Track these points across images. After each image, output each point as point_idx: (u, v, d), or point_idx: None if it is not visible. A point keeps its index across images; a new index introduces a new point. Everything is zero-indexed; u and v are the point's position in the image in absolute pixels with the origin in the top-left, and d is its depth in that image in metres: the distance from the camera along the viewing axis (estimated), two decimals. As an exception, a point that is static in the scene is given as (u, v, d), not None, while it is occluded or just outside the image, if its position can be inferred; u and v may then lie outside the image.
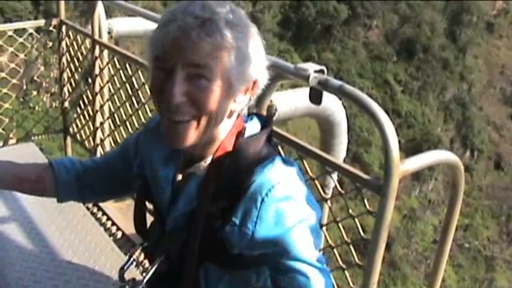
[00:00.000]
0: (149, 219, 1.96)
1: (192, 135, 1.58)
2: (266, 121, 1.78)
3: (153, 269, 1.75)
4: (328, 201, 2.47)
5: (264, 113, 2.44)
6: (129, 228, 3.78)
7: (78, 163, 2.14)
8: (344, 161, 3.34)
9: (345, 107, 2.88)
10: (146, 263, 2.39)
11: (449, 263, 39.73)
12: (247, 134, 1.70)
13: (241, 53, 1.55)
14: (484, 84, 51.31)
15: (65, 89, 4.82)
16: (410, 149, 41.11)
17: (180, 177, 1.75)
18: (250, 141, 1.67)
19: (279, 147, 2.38)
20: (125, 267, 1.87)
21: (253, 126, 1.73)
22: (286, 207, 1.58)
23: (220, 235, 1.62)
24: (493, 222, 45.64)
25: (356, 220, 2.34)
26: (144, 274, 1.79)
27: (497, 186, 47.46)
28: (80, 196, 2.17)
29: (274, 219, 1.57)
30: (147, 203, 1.95)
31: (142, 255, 1.92)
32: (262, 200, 1.56)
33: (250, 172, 1.60)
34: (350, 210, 2.32)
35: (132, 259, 1.89)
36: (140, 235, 1.97)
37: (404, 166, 1.94)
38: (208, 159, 1.68)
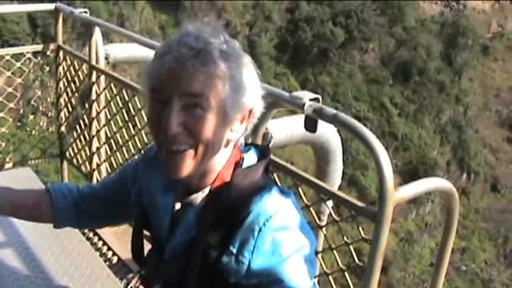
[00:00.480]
0: (146, 246, 1.96)
1: (189, 165, 1.59)
2: (263, 152, 1.79)
3: None
4: (323, 229, 2.48)
5: (260, 140, 2.45)
6: (125, 253, 3.77)
7: (75, 189, 2.15)
8: (340, 186, 3.35)
9: (340, 133, 2.90)
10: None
11: (447, 286, 39.54)
12: (245, 164, 1.71)
13: (236, 82, 1.57)
14: (480, 106, 51.44)
15: (62, 113, 4.84)
16: (406, 172, 41.11)
17: (178, 206, 1.76)
18: (248, 172, 1.69)
19: (275, 175, 2.40)
20: None
21: (251, 157, 1.74)
22: (283, 237, 1.59)
23: (218, 264, 1.63)
24: (490, 245, 45.51)
25: (351, 247, 2.35)
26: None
27: (494, 208, 47.38)
28: (77, 222, 2.17)
29: (271, 248, 1.59)
30: (144, 231, 1.96)
31: (139, 282, 1.93)
32: (260, 229, 1.58)
33: (247, 202, 1.61)
34: (345, 238, 2.33)
35: (129, 287, 1.90)
36: (137, 262, 1.97)
37: (398, 194, 1.95)
38: (206, 190, 1.69)
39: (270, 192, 1.64)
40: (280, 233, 1.59)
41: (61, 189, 2.13)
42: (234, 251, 1.61)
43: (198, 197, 1.70)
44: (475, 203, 47.01)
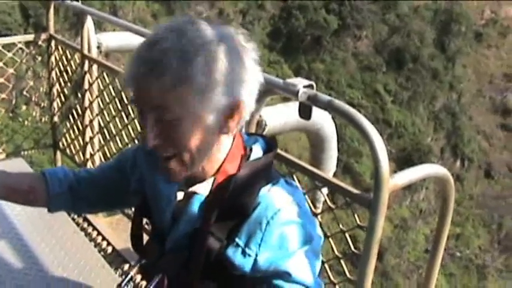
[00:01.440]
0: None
1: (180, 170, 1.60)
2: (270, 144, 1.78)
3: (151, 287, 1.75)
4: (319, 216, 2.47)
5: (254, 128, 2.44)
6: (120, 243, 3.76)
7: (71, 173, 2.13)
8: (335, 173, 3.35)
9: (334, 120, 2.88)
10: (139, 278, 2.38)
11: (441, 272, 39.74)
12: (252, 156, 1.70)
13: (200, 83, 1.51)
14: (474, 93, 51.51)
15: (55, 103, 4.82)
16: (401, 158, 41.19)
17: (181, 196, 1.75)
18: (255, 165, 1.67)
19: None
20: (123, 285, 1.86)
21: (258, 149, 1.73)
22: (290, 231, 1.59)
23: (223, 256, 1.62)
24: (484, 231, 45.70)
25: (347, 235, 2.35)
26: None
27: (488, 195, 47.55)
28: (72, 207, 2.17)
29: (278, 242, 1.59)
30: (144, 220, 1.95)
31: (139, 272, 1.91)
32: (268, 223, 1.58)
33: (254, 195, 1.61)
34: (340, 226, 2.32)
35: (129, 276, 1.88)
36: (137, 252, 1.96)
37: (393, 181, 1.94)
38: (210, 180, 1.67)
39: (277, 185, 1.64)
40: (288, 227, 1.59)
41: (56, 173, 2.11)
42: (241, 243, 1.60)
43: (202, 187, 1.68)
44: (469, 190, 47.17)
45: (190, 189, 1.71)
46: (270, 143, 1.78)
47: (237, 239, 1.61)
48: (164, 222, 1.78)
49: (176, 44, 1.50)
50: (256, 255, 1.59)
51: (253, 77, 1.61)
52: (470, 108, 50.67)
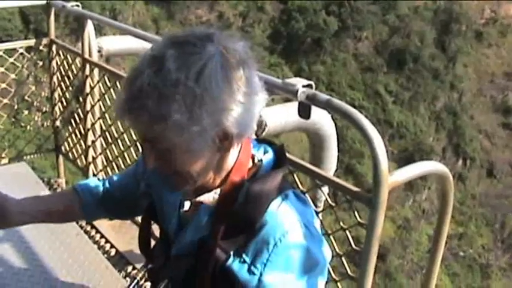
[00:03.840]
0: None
1: (183, 185, 1.63)
2: (279, 154, 1.75)
3: None
4: (320, 215, 2.49)
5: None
6: (123, 246, 3.78)
7: (99, 184, 2.19)
8: (335, 173, 3.36)
9: (334, 120, 2.90)
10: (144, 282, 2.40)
11: (445, 272, 39.70)
12: (263, 167, 1.69)
13: (176, 121, 1.48)
14: (474, 92, 51.50)
15: (56, 108, 4.84)
16: (402, 159, 41.13)
17: (187, 204, 1.76)
18: (267, 179, 1.65)
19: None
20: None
21: (268, 160, 1.72)
22: (297, 255, 1.58)
23: (227, 268, 1.62)
24: (487, 230, 45.66)
25: (347, 232, 2.36)
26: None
27: (490, 194, 47.51)
28: (107, 215, 2.26)
29: (284, 265, 1.57)
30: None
31: (146, 275, 1.92)
32: (275, 244, 1.56)
33: (263, 210, 1.59)
34: (341, 223, 2.34)
35: (136, 280, 1.89)
36: (144, 255, 1.98)
37: (393, 178, 1.96)
38: (218, 190, 1.67)
39: (287, 201, 1.63)
40: (295, 251, 1.57)
41: (87, 186, 2.17)
42: (247, 260, 1.60)
43: (209, 197, 1.68)
44: (471, 189, 47.14)
45: (197, 199, 1.70)
46: (279, 154, 1.76)
47: (243, 255, 1.60)
48: (170, 229, 1.80)
49: (153, 80, 1.47)
50: (261, 274, 1.58)
51: (244, 98, 1.54)
52: (472, 107, 50.66)
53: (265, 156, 1.72)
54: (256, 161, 1.70)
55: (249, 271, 1.59)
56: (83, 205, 2.12)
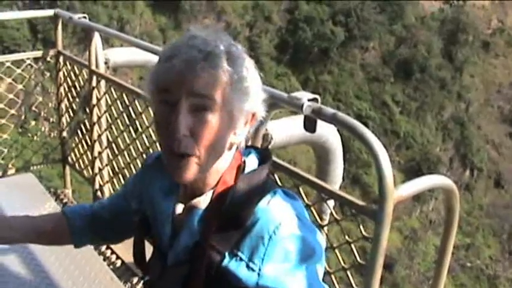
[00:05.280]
0: (149, 250, 1.96)
1: (194, 169, 1.58)
2: (264, 155, 1.78)
3: None
4: (325, 228, 2.49)
5: (260, 141, 2.46)
6: (128, 257, 3.78)
7: (89, 209, 2.18)
8: (343, 185, 3.36)
9: (340, 133, 2.90)
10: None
11: (452, 283, 39.54)
12: (247, 168, 1.70)
13: (242, 85, 1.57)
14: (482, 103, 51.45)
15: (64, 118, 4.86)
16: (409, 169, 41.13)
17: (180, 210, 1.75)
18: (251, 176, 1.67)
19: (276, 175, 2.41)
20: None
21: (252, 160, 1.73)
22: (293, 246, 1.58)
23: (224, 269, 1.62)
24: (495, 241, 45.51)
25: (353, 246, 2.36)
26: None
27: (498, 204, 47.37)
28: (93, 241, 2.26)
29: (282, 257, 1.57)
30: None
31: None
32: (270, 237, 1.57)
33: (253, 207, 1.60)
34: (347, 237, 2.34)
35: None
36: (140, 269, 1.98)
37: (398, 192, 1.96)
38: (210, 193, 1.68)
39: (276, 196, 1.64)
40: (290, 241, 1.58)
41: (75, 209, 2.18)
42: (244, 257, 1.59)
43: (202, 200, 1.68)
44: (478, 199, 47.03)
45: (190, 204, 1.71)
46: (264, 154, 1.79)
47: (239, 253, 1.60)
48: (164, 237, 1.79)
49: (225, 45, 1.58)
50: (260, 269, 1.58)
51: (263, 94, 1.68)
52: (479, 117, 50.60)
53: (249, 157, 1.74)
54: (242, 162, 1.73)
55: (248, 268, 1.59)
56: (71, 227, 2.13)
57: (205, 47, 1.55)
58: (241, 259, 1.60)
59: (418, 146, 46.67)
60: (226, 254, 1.61)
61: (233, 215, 1.61)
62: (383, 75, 47.81)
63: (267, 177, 1.71)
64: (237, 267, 1.60)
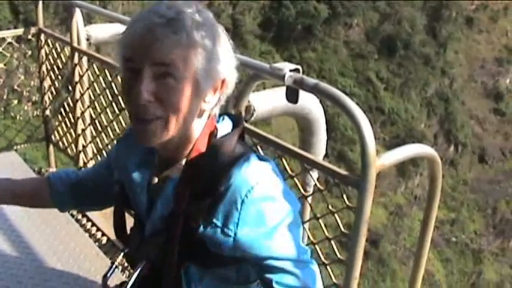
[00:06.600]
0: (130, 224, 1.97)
1: (160, 133, 1.58)
2: (237, 120, 1.78)
3: (136, 274, 1.77)
4: (309, 198, 2.50)
5: (243, 113, 2.46)
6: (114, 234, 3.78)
7: (73, 174, 2.20)
8: (327, 159, 3.37)
9: (323, 105, 2.91)
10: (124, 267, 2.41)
11: (437, 258, 39.88)
12: (219, 134, 1.70)
13: (208, 51, 1.56)
14: (465, 78, 51.57)
15: (46, 97, 4.83)
16: (394, 145, 40.94)
17: (155, 181, 1.76)
18: (224, 141, 1.68)
19: (258, 147, 2.42)
20: (108, 275, 1.89)
21: (225, 126, 1.74)
22: (267, 207, 1.59)
23: (200, 235, 1.63)
24: (479, 216, 45.85)
25: (336, 216, 2.37)
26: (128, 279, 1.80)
27: (482, 179, 47.68)
28: (76, 205, 2.30)
29: (256, 220, 1.58)
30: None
31: (125, 260, 1.93)
32: (242, 201, 1.57)
33: (226, 172, 1.60)
34: (330, 206, 2.35)
35: (114, 266, 1.91)
36: (121, 241, 1.98)
37: (380, 160, 1.98)
38: (183, 161, 1.68)
39: (248, 160, 1.64)
40: (263, 203, 1.59)
41: (59, 175, 2.18)
42: (219, 223, 1.60)
43: (175, 169, 1.69)
44: (463, 175, 47.31)
45: (164, 173, 1.72)
46: (236, 119, 1.80)
47: (214, 219, 1.60)
48: (141, 209, 1.80)
49: (190, 11, 1.56)
50: (235, 233, 1.59)
51: (234, 61, 1.67)
52: (463, 93, 50.75)
53: (223, 123, 1.75)
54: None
55: (223, 233, 1.60)
56: (52, 192, 2.14)
57: (168, 12, 1.54)
58: (216, 225, 1.61)
59: (402, 122, 46.79)
60: (201, 221, 1.61)
61: (206, 181, 1.61)
62: (367, 51, 47.76)
63: (240, 142, 1.72)
64: (212, 233, 1.61)
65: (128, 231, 1.95)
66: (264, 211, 1.59)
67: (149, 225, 1.77)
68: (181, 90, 1.54)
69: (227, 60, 1.63)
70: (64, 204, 2.22)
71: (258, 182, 1.59)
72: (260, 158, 1.69)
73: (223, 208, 1.60)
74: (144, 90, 1.52)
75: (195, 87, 1.57)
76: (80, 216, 3.94)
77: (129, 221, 1.96)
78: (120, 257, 1.90)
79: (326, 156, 3.30)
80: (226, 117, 1.78)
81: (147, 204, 1.78)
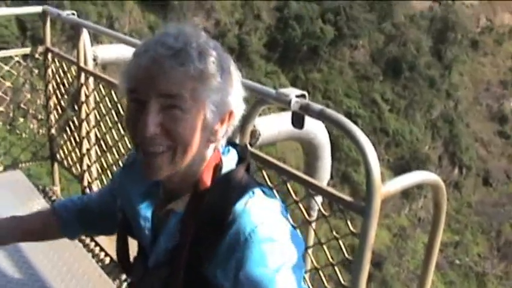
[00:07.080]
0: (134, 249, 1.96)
1: (167, 167, 1.55)
2: (242, 152, 1.75)
3: None
4: (313, 224, 2.49)
5: (248, 138, 2.46)
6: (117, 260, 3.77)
7: (78, 201, 2.19)
8: (331, 181, 3.37)
9: (329, 130, 2.91)
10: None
11: (441, 280, 39.70)
12: (224, 167, 1.67)
13: (215, 83, 1.54)
14: (470, 101, 51.64)
15: (52, 116, 4.84)
16: (398, 167, 41.17)
17: (160, 213, 1.73)
18: (230, 176, 1.65)
19: (263, 172, 2.41)
20: None
21: (230, 159, 1.71)
22: (269, 249, 1.53)
23: (203, 272, 1.60)
24: (483, 239, 45.70)
25: (340, 242, 2.36)
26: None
27: (486, 202, 47.58)
28: (83, 232, 2.30)
29: (258, 260, 1.52)
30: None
31: None
32: (246, 240, 1.53)
33: (231, 209, 1.57)
34: (335, 232, 2.34)
35: None
36: (124, 269, 1.97)
37: (385, 188, 1.97)
38: (187, 195, 1.65)
39: (253, 197, 1.60)
40: (266, 244, 1.53)
41: (65, 204, 2.18)
42: (221, 260, 1.57)
43: (180, 202, 1.66)
44: (467, 197, 47.22)
45: (168, 206, 1.69)
46: (242, 152, 1.76)
47: (217, 257, 1.57)
48: (145, 240, 1.79)
49: (198, 42, 1.54)
50: (237, 273, 1.53)
51: (242, 92, 1.65)
52: (468, 115, 50.79)
53: (228, 155, 1.71)
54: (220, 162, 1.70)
55: (225, 272, 1.56)
56: (62, 225, 2.13)
57: (175, 43, 1.51)
58: (218, 262, 1.57)
59: (407, 144, 46.78)
60: (205, 257, 1.59)
61: (210, 217, 1.59)
62: (372, 73, 47.89)
63: (246, 176, 1.68)
64: (215, 271, 1.58)
65: (131, 257, 1.93)
66: (267, 253, 1.53)
67: (153, 257, 1.74)
68: (188, 121, 1.52)
69: (235, 92, 1.60)
70: (74, 234, 2.22)
71: (262, 221, 1.55)
72: (265, 193, 1.65)
73: (227, 245, 1.56)
74: (150, 123, 1.50)
75: (203, 119, 1.55)
76: (83, 236, 3.93)
77: (133, 243, 1.95)
78: (124, 286, 1.89)
79: (331, 177, 3.31)
80: (231, 149, 1.74)
81: (150, 237, 1.77)
